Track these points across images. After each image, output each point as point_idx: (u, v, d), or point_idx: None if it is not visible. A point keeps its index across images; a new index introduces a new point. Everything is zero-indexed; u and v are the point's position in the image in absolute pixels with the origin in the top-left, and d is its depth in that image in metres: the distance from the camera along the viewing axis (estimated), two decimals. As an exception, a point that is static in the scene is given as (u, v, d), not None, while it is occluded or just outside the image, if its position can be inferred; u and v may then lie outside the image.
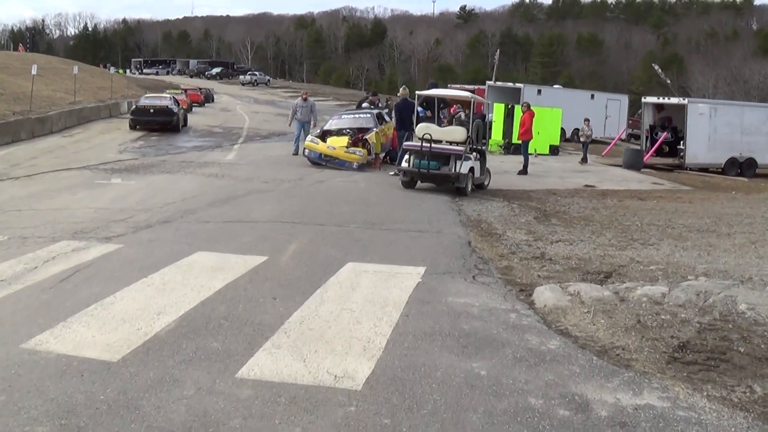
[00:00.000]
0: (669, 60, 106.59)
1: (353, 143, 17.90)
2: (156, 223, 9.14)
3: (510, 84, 38.64)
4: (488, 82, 38.52)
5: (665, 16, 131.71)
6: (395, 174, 16.53)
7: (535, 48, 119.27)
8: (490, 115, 30.87)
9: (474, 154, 14.38)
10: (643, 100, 29.60)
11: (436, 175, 13.72)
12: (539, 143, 25.41)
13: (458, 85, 46.60)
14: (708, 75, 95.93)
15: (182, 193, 11.96)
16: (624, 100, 42.28)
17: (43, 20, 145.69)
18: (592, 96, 40.36)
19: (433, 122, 16.77)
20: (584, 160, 24.64)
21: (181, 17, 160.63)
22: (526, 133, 19.23)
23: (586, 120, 26.56)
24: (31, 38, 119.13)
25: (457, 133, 14.14)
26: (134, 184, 13.20)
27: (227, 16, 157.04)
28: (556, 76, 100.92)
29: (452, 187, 13.88)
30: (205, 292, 5.87)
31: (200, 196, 11.62)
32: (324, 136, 18.50)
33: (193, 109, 41.19)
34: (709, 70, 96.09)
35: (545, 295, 5.89)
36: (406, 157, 14.09)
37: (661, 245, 9.41)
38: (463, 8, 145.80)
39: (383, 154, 19.03)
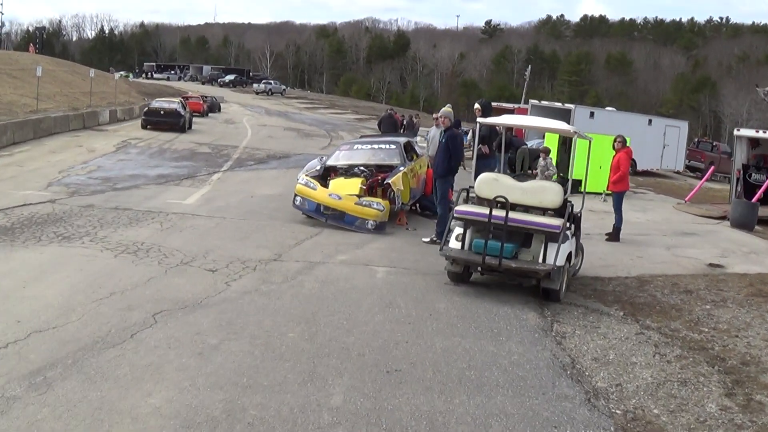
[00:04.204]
0: (700, 83, 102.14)
1: (369, 189, 12.03)
2: None
3: (558, 104, 32.81)
4: (532, 101, 32.68)
5: (695, 38, 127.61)
6: (431, 242, 10.72)
7: (563, 66, 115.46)
8: (538, 142, 25.14)
9: (571, 226, 8.48)
10: (735, 132, 23.62)
11: (513, 270, 7.80)
12: (603, 181, 19.45)
13: (495, 104, 40.95)
14: (742, 99, 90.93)
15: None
16: (684, 127, 36.52)
17: (59, 21, 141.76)
18: (650, 121, 34.60)
19: (496, 165, 10.89)
20: None
21: (202, 23, 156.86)
22: (623, 182, 13.21)
23: (544, 150, 18.69)
24: (41, 39, 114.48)
25: (549, 192, 8.23)
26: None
27: (248, 23, 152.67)
28: (584, 95, 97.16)
29: (531, 282, 8.06)
30: None
31: (15, 355, 5.56)
32: (327, 175, 12.64)
33: (193, 120, 35.40)
34: (743, 94, 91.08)
35: None
36: (458, 230, 8.18)
37: None
38: (488, 23, 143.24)
39: (411, 203, 13.14)
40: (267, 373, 5.11)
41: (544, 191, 8.26)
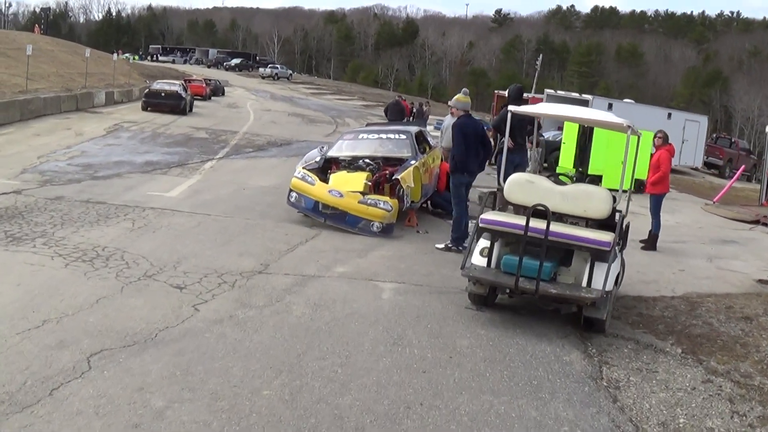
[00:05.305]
0: (712, 77, 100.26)
1: (374, 186, 10.53)
2: None
3: (575, 94, 31.18)
4: (548, 91, 31.08)
5: (705, 32, 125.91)
6: (446, 248, 9.28)
7: (573, 56, 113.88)
8: (555, 134, 23.64)
9: (620, 241, 6.97)
10: (767, 129, 22.12)
11: (553, 297, 6.30)
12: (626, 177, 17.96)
13: (502, 92, 39.49)
14: (754, 95, 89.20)
15: None
16: (704, 121, 34.87)
17: (66, 2, 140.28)
18: (669, 115, 32.87)
19: (525, 161, 9.41)
20: None
21: (210, 7, 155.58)
22: (663, 183, 11.69)
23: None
24: (46, 20, 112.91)
25: (595, 199, 6.74)
26: None
27: (257, 8, 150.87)
28: (594, 87, 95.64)
29: (572, 309, 6.62)
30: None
31: None
32: (327, 167, 11.14)
33: (195, 103, 33.98)
34: (755, 90, 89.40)
35: None
36: (484, 243, 6.67)
37: None
38: (498, 12, 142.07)
39: (422, 201, 11.64)
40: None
41: (590, 198, 6.75)
